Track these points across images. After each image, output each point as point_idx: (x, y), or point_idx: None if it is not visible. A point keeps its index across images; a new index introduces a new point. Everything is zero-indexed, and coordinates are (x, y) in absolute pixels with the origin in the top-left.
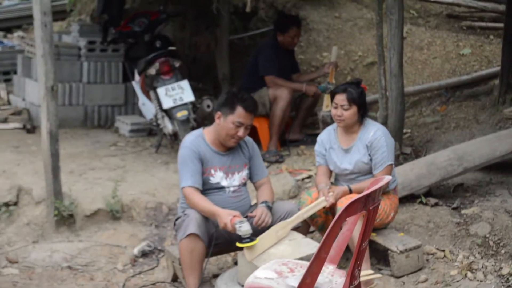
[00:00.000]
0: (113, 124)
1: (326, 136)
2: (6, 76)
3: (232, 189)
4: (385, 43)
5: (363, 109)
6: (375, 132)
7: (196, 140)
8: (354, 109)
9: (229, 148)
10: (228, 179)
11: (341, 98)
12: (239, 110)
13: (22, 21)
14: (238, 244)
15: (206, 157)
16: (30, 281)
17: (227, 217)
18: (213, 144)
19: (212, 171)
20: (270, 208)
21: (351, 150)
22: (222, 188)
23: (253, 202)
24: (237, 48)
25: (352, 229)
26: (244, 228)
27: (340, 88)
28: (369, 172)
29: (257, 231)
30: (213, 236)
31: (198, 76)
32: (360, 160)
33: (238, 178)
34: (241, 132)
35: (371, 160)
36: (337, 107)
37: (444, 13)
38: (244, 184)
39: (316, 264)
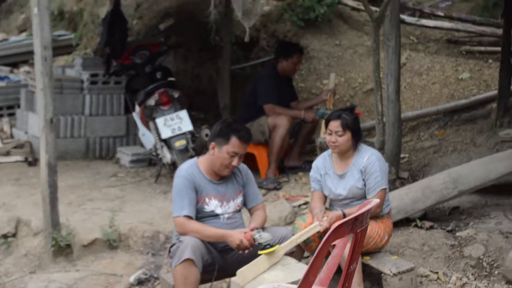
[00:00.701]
0: (114, 155)
1: (321, 162)
2: (10, 110)
3: (226, 215)
4: (383, 69)
5: (357, 135)
6: (369, 157)
7: (190, 169)
8: (348, 135)
9: (223, 176)
10: (222, 207)
11: (335, 125)
12: (234, 140)
13: (29, 56)
14: (260, 252)
15: (201, 185)
16: None
17: (240, 235)
18: (207, 173)
19: (207, 200)
20: None
21: (346, 175)
22: (216, 215)
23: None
24: (239, 78)
25: (341, 253)
26: (265, 235)
27: (334, 114)
28: (363, 197)
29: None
30: (216, 262)
31: (200, 107)
32: (354, 186)
33: (232, 205)
34: (235, 161)
35: (365, 185)
36: (331, 133)
37: (443, 38)
38: (239, 211)
39: (304, 286)
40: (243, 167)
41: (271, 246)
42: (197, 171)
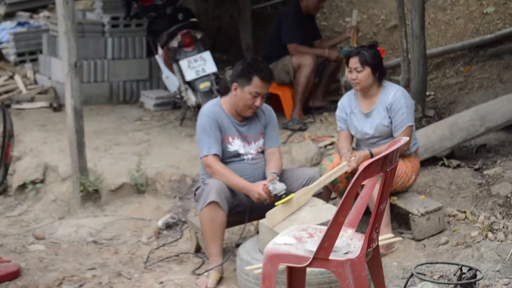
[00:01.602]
0: (138, 99)
1: (347, 101)
2: (32, 56)
3: (250, 156)
4: (406, 5)
5: (379, 71)
6: (394, 94)
7: (213, 108)
8: (367, 70)
9: (246, 117)
10: (245, 147)
11: (354, 61)
12: (256, 80)
13: (48, 1)
14: (276, 203)
15: (224, 125)
16: (56, 256)
17: (258, 189)
18: (230, 113)
19: (230, 139)
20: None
21: (372, 114)
22: (239, 155)
23: None
24: (260, 18)
25: (371, 193)
26: (278, 186)
27: (353, 51)
28: (390, 135)
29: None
30: (243, 204)
31: (222, 48)
32: (381, 124)
33: (255, 147)
34: (258, 101)
35: (391, 122)
36: (352, 70)
37: None
38: (262, 152)
39: (333, 228)
40: (267, 108)
41: (287, 194)
42: (220, 111)
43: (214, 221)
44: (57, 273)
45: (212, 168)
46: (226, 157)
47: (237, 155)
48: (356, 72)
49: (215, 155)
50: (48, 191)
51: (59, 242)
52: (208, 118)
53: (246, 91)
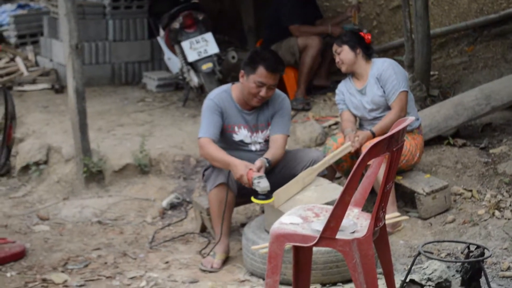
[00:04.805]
0: (140, 80)
1: (343, 85)
2: (33, 38)
3: (258, 147)
4: None
5: (359, 47)
6: (382, 64)
7: (221, 94)
8: (345, 48)
9: (254, 106)
10: (252, 137)
11: (334, 47)
12: (261, 69)
13: None
14: (253, 199)
15: (229, 113)
16: (61, 237)
17: (244, 169)
18: (239, 101)
19: (236, 129)
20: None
21: (366, 89)
22: (246, 145)
23: None
24: None
25: (377, 172)
26: (263, 185)
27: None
28: (388, 106)
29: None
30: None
31: (223, 29)
32: (376, 95)
33: (262, 136)
34: (263, 92)
35: (384, 92)
36: (335, 55)
37: None
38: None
39: (340, 207)
40: (281, 95)
41: (267, 197)
42: (228, 98)
43: (223, 202)
44: (62, 253)
45: (203, 149)
46: (232, 145)
47: (243, 144)
48: (337, 55)
49: (207, 138)
50: (52, 172)
51: (64, 222)
52: (212, 103)
53: (251, 79)
